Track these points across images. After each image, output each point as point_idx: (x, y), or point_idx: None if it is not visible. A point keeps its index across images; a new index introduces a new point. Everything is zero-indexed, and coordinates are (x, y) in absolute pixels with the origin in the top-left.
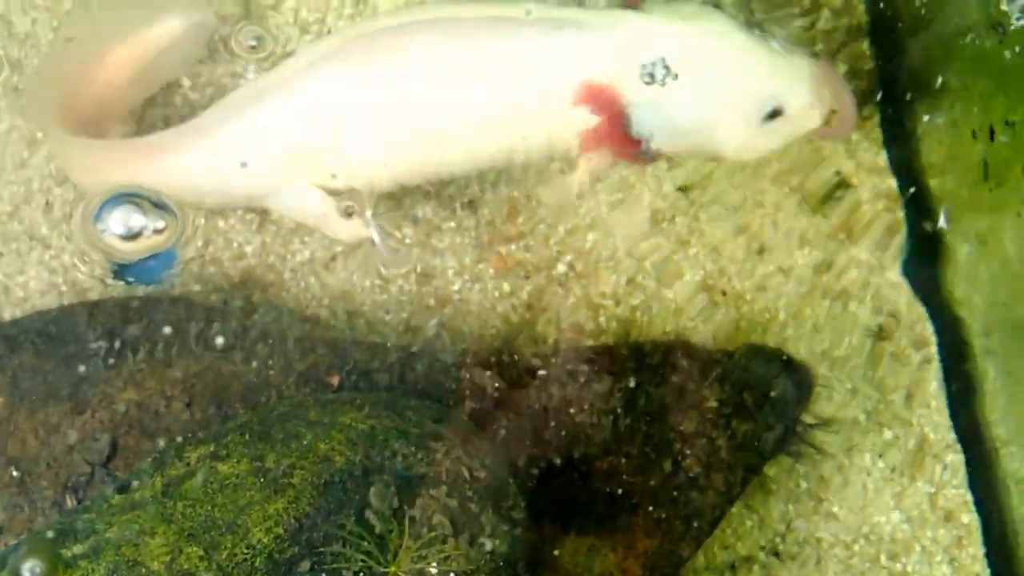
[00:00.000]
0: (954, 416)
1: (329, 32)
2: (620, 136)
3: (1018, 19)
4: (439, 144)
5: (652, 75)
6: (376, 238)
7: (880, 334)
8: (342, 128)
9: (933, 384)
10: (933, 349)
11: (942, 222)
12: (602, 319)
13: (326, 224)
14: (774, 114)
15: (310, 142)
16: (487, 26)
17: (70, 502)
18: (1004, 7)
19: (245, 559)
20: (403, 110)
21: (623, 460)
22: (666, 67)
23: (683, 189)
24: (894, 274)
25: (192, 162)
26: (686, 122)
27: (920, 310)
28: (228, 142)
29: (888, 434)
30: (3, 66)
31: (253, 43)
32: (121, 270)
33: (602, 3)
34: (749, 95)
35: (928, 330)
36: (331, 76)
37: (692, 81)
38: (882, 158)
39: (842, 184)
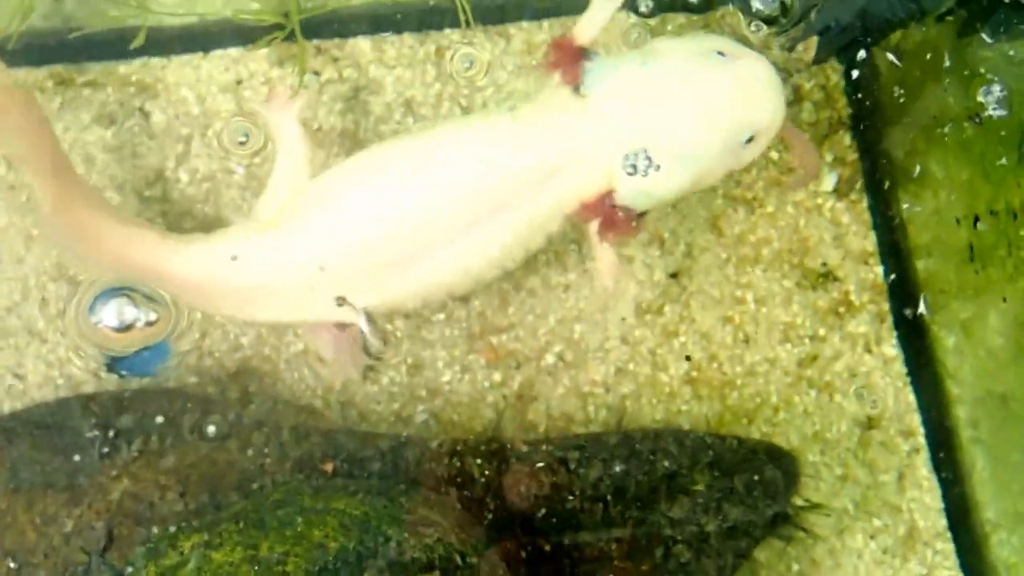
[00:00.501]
0: (945, 504)
1: (319, 129)
2: (623, 225)
3: (994, 109)
4: (435, 276)
5: (635, 166)
6: (364, 327)
7: (868, 424)
8: (341, 261)
9: (923, 471)
10: (921, 439)
11: (922, 308)
12: (591, 408)
13: (316, 339)
14: (749, 139)
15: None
16: (480, 171)
17: None
18: (980, 98)
19: None
20: (398, 243)
21: (613, 546)
22: (648, 159)
23: (674, 275)
24: (881, 364)
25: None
26: (678, 191)
27: (908, 400)
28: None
29: (878, 522)
30: None
31: (242, 139)
32: (114, 363)
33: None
34: (725, 143)
35: (916, 420)
36: (335, 209)
37: (672, 163)
38: (870, 243)
39: (828, 276)
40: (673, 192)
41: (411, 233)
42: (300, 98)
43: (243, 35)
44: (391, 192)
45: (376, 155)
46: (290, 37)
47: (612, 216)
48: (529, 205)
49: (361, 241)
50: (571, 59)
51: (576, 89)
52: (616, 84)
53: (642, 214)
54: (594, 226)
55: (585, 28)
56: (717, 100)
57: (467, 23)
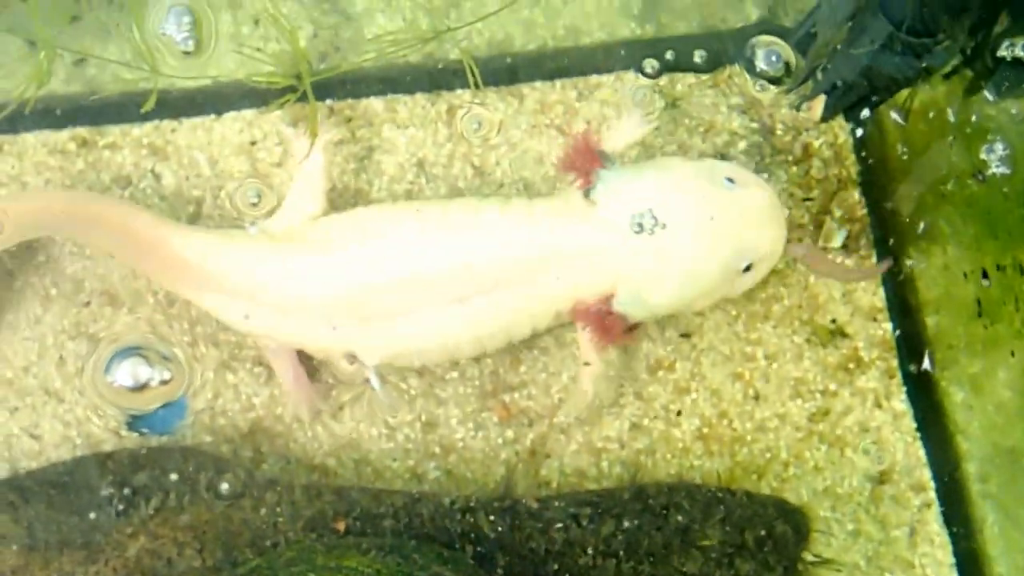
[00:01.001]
0: (956, 559)
1: (332, 188)
2: (615, 333)
3: (997, 166)
4: (414, 337)
5: (641, 225)
6: (375, 384)
7: (879, 479)
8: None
9: (933, 526)
10: (932, 494)
11: (927, 364)
12: (604, 464)
13: (279, 367)
14: (747, 268)
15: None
16: (482, 248)
17: None
18: (983, 156)
19: None
20: (389, 293)
21: None
22: (654, 217)
23: (686, 334)
24: (891, 419)
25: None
26: (673, 306)
27: (918, 455)
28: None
29: None
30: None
31: (255, 200)
32: (135, 421)
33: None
34: (724, 268)
35: (926, 475)
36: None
37: (670, 279)
38: (879, 299)
39: (838, 332)
40: (667, 306)
41: (402, 286)
42: (328, 132)
43: (257, 97)
44: (394, 244)
45: (390, 209)
46: (303, 98)
47: (606, 322)
48: (525, 292)
49: (360, 284)
50: (587, 163)
51: (587, 193)
52: (626, 197)
53: (634, 326)
54: (586, 332)
55: (613, 139)
56: (720, 226)
57: (476, 85)
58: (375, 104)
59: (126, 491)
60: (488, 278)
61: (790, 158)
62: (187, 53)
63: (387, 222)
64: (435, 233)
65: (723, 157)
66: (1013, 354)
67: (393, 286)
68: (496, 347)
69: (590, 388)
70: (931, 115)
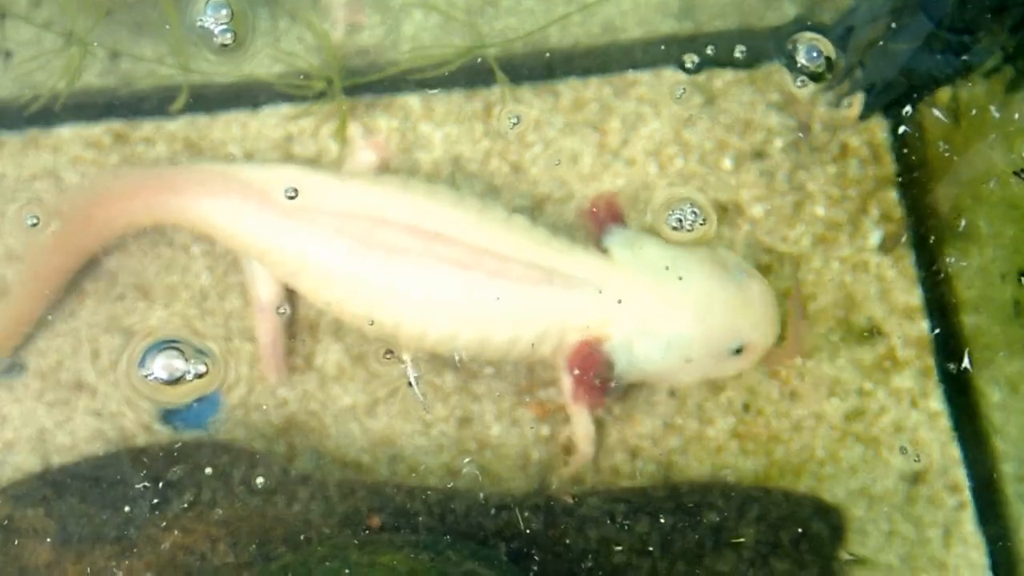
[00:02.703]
0: (990, 559)
1: None
2: (595, 385)
3: None
4: (436, 335)
5: (680, 220)
6: (411, 379)
7: (914, 479)
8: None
9: (968, 527)
10: (967, 494)
11: (966, 363)
12: (638, 462)
13: (262, 340)
14: (738, 350)
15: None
16: (482, 262)
17: None
18: None
19: None
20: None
21: None
22: (695, 212)
23: None
24: (926, 419)
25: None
26: (657, 366)
27: (954, 455)
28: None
29: None
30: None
31: (291, 195)
32: (168, 415)
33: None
34: (716, 342)
35: (962, 475)
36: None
37: (665, 334)
38: (915, 298)
39: (874, 331)
40: (650, 367)
41: (413, 229)
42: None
43: (292, 95)
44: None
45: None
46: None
47: (590, 367)
48: (521, 291)
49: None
50: (608, 220)
51: (599, 242)
52: (633, 256)
53: (613, 388)
54: (568, 389)
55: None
56: (720, 303)
57: (504, 83)
58: (412, 101)
59: (160, 485)
60: (491, 260)
61: (827, 156)
62: (224, 46)
63: (428, 190)
64: (455, 208)
65: (760, 155)
66: None
67: (406, 227)
68: (470, 334)
69: (589, 448)
70: (973, 113)
